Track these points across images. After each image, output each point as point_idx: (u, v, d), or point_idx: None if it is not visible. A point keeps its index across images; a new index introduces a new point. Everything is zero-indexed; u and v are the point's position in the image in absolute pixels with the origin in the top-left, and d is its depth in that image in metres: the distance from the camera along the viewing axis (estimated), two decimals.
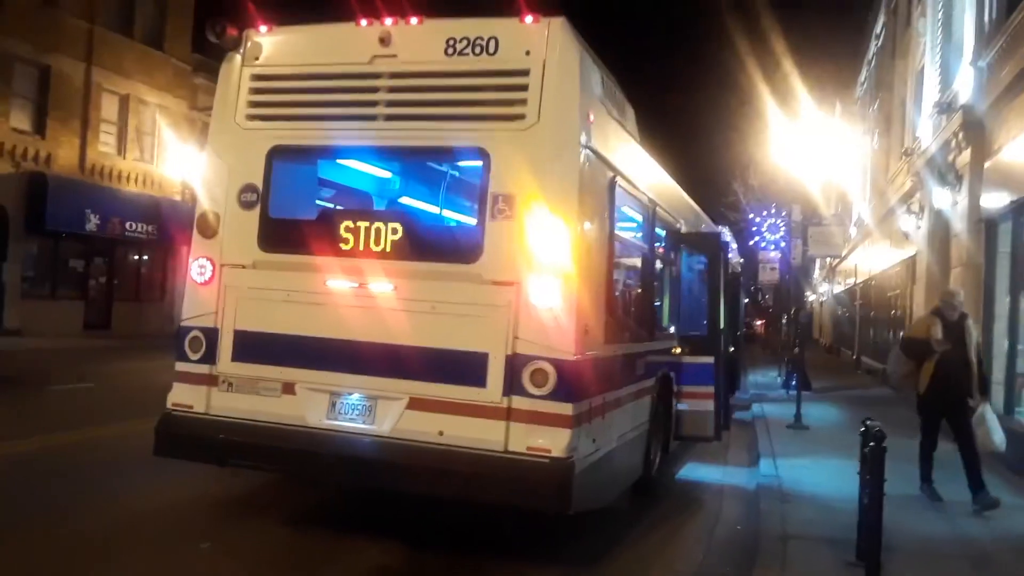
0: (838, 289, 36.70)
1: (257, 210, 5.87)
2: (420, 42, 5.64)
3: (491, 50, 5.46)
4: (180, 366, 5.91)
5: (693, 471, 9.26)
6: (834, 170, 27.52)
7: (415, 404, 5.33)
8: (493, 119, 5.48)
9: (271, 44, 6.01)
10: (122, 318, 24.37)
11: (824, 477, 8.31)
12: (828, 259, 34.30)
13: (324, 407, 5.55)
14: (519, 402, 5.10)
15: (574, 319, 5.13)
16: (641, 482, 7.07)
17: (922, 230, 16.14)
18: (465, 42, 5.50)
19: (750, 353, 20.91)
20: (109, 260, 24.41)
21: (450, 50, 5.53)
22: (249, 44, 6.00)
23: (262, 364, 5.70)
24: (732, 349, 11.14)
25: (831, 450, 9.77)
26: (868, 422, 5.35)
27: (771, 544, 6.07)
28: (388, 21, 5.70)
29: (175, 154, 25.61)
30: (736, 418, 12.22)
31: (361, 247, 5.62)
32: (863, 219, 26.76)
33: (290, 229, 5.91)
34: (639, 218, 7.29)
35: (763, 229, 31.39)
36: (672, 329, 8.38)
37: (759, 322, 48.45)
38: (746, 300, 25.53)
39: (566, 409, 5.05)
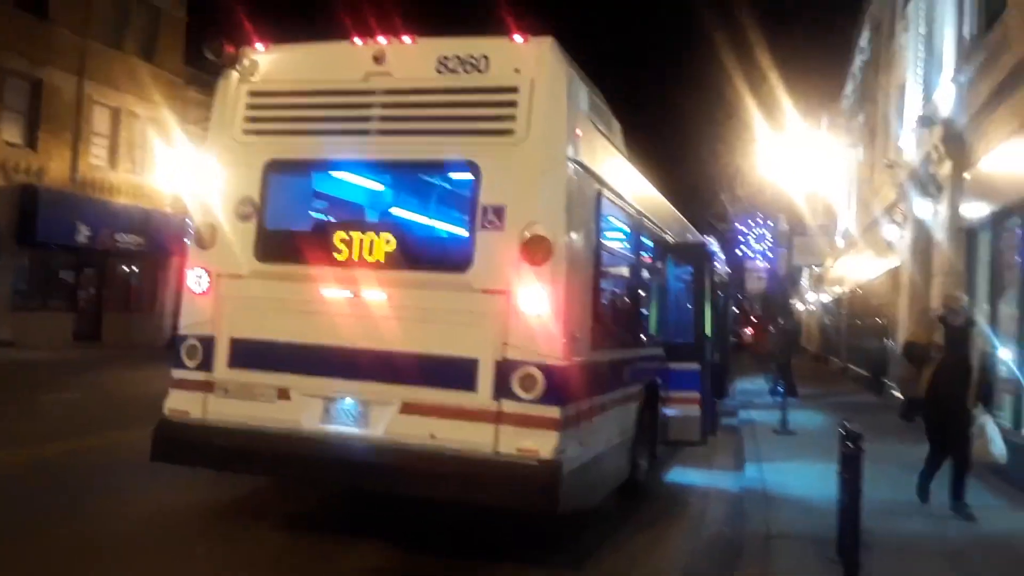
0: (825, 298, 36.98)
1: (253, 222, 6.01)
2: (413, 60, 5.81)
3: (482, 68, 5.65)
4: (177, 373, 6.02)
5: (680, 475, 9.40)
6: (820, 181, 27.88)
7: (407, 408, 5.47)
8: (484, 134, 5.64)
9: (268, 61, 6.18)
10: (112, 329, 24.37)
11: (808, 480, 8.44)
12: (815, 268, 34.59)
13: (319, 412, 5.68)
14: (509, 406, 5.24)
15: (562, 326, 5.28)
16: (629, 485, 7.20)
17: (905, 240, 16.40)
18: (457, 60, 5.68)
19: (739, 361, 21.11)
20: (100, 271, 24.39)
21: (442, 68, 5.71)
22: (246, 62, 6.17)
23: (258, 371, 5.83)
24: (719, 356, 11.31)
25: (816, 454, 9.87)
26: (846, 423, 5.53)
27: (755, 543, 6.23)
28: (382, 40, 5.87)
29: (166, 167, 25.64)
30: (723, 424, 12.39)
31: (355, 257, 5.75)
32: (849, 230, 27.06)
33: (285, 240, 6.04)
34: (626, 229, 7.47)
35: (749, 239, 31.62)
36: (659, 336, 8.56)
37: (748, 331, 48.63)
38: (734, 309, 25.71)
39: (554, 413, 5.20)
